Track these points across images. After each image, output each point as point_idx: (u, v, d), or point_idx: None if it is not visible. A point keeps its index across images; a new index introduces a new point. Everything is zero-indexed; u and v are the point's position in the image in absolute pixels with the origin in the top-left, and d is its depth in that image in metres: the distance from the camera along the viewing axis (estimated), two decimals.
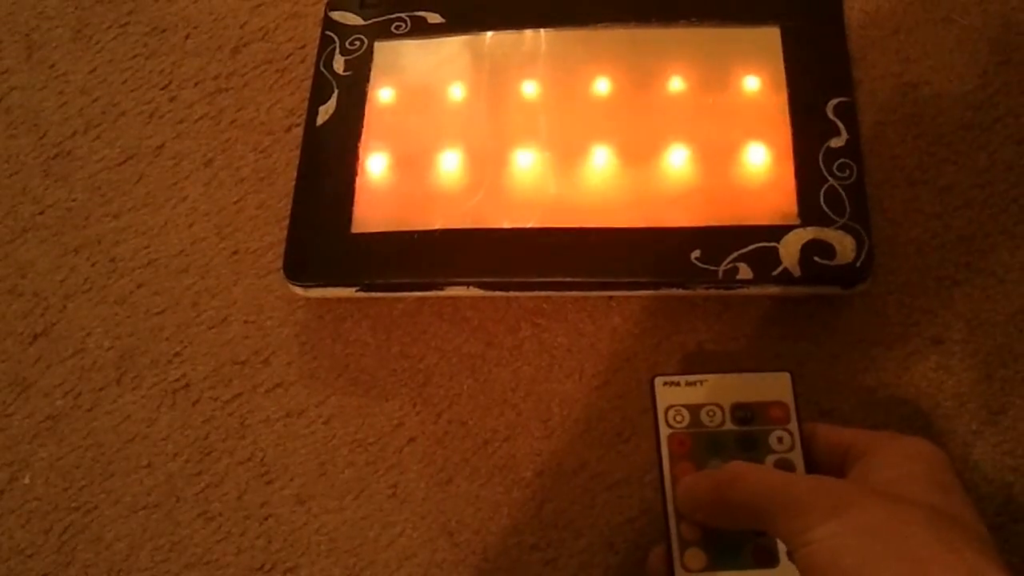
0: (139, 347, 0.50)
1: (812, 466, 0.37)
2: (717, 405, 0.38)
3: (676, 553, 0.36)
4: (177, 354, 0.49)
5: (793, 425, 0.37)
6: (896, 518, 0.31)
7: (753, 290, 0.45)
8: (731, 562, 0.35)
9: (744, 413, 0.38)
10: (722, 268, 0.44)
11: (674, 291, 0.46)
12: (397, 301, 0.49)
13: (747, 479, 0.34)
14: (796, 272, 0.44)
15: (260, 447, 0.47)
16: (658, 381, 0.39)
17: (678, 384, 0.39)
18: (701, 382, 0.38)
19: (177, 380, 0.49)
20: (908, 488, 0.33)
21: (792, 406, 0.38)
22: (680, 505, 0.36)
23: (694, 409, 0.38)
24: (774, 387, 0.38)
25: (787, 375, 0.38)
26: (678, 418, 0.38)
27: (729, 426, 0.38)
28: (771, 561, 0.35)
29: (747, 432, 0.38)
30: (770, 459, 0.37)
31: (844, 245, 0.44)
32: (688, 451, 0.37)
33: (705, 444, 0.38)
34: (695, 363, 0.46)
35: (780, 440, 0.37)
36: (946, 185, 0.48)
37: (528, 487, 0.45)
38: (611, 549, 0.43)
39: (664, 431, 0.38)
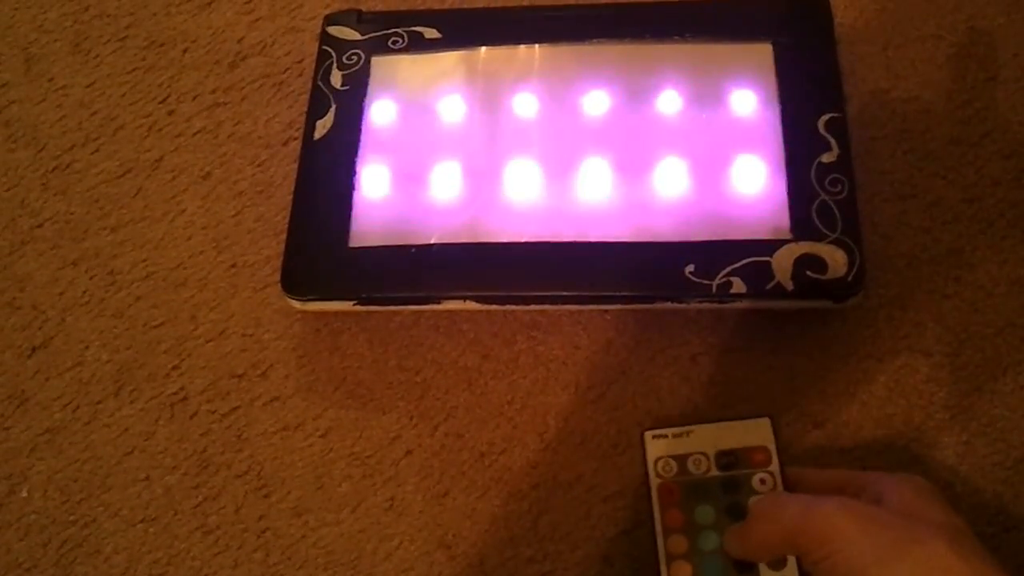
0: (137, 360, 0.50)
1: None
2: (703, 453, 0.40)
3: None
4: (175, 367, 0.50)
5: (775, 467, 0.39)
6: (916, 534, 0.32)
7: (746, 304, 0.45)
8: None
9: (728, 459, 0.40)
10: (716, 282, 0.45)
11: (668, 304, 0.46)
12: (394, 314, 0.49)
13: (773, 500, 0.36)
14: (789, 286, 0.44)
15: (258, 460, 0.47)
16: (647, 435, 0.41)
17: (666, 436, 0.41)
18: (688, 433, 0.41)
19: (175, 393, 0.49)
20: (920, 508, 0.35)
21: (773, 449, 0.39)
22: (727, 547, 0.37)
23: (681, 459, 0.40)
24: (756, 433, 0.40)
25: (767, 420, 0.40)
26: (667, 468, 0.40)
27: (714, 472, 0.40)
28: None
29: (731, 476, 0.39)
30: (753, 500, 0.38)
31: (836, 259, 0.45)
32: (677, 500, 0.39)
33: (692, 491, 0.39)
34: (690, 376, 0.47)
35: (763, 482, 0.39)
36: (935, 200, 0.49)
37: (524, 499, 0.45)
38: (607, 562, 0.44)
39: (654, 482, 0.40)
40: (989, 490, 0.43)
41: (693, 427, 0.40)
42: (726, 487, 0.39)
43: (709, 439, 0.40)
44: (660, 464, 0.40)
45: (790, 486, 0.39)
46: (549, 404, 0.47)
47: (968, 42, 0.52)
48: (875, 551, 0.32)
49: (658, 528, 0.39)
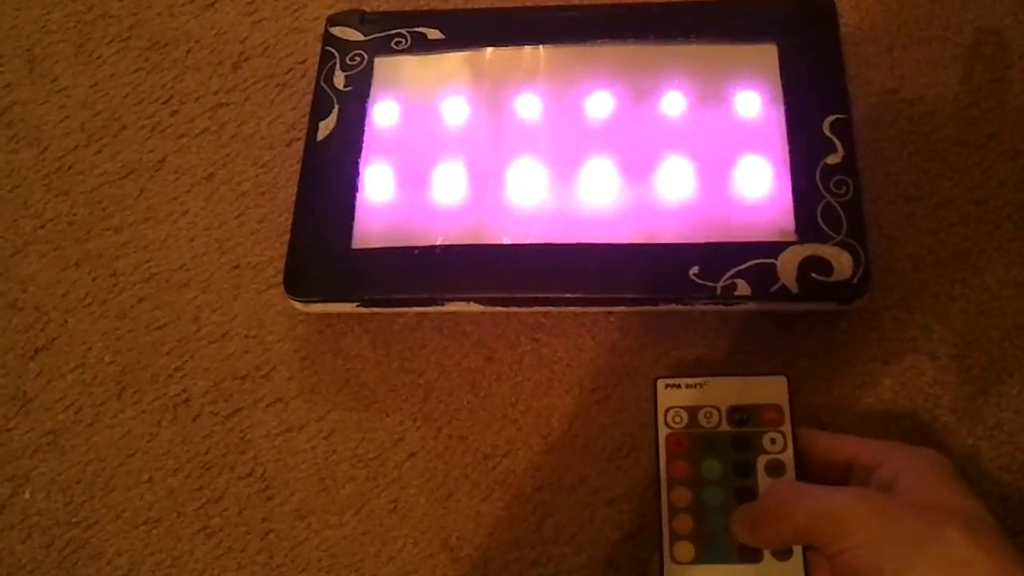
0: (140, 362, 0.50)
1: (803, 467, 0.38)
2: (715, 407, 0.39)
3: (667, 546, 0.37)
4: (178, 369, 0.49)
5: (787, 427, 0.39)
6: (933, 524, 0.32)
7: (751, 306, 0.45)
8: (717, 556, 0.37)
9: (740, 415, 0.39)
10: (720, 284, 0.44)
11: (673, 307, 0.46)
12: (397, 316, 0.49)
13: (786, 493, 0.35)
14: (794, 288, 0.44)
15: (260, 462, 0.47)
16: (660, 383, 0.40)
17: (679, 386, 0.40)
18: (701, 384, 0.40)
19: (178, 395, 0.49)
20: (936, 492, 0.34)
21: (786, 409, 0.39)
22: (735, 532, 0.37)
23: (692, 411, 0.40)
24: (770, 390, 0.39)
25: (783, 379, 0.40)
26: (677, 419, 0.39)
27: (725, 427, 0.39)
28: (755, 556, 0.36)
29: (741, 433, 0.39)
30: (762, 459, 0.38)
31: (841, 261, 0.44)
32: (685, 451, 0.39)
33: (701, 444, 0.39)
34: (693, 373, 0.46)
35: (773, 441, 0.38)
36: (941, 201, 0.49)
37: (528, 502, 0.45)
38: (611, 565, 0.43)
39: (663, 431, 0.39)
40: (996, 493, 0.43)
41: (707, 379, 0.40)
42: (736, 443, 0.39)
43: (722, 393, 0.39)
44: (670, 414, 0.39)
45: (801, 447, 0.38)
46: (553, 406, 0.47)
47: (974, 43, 0.52)
48: (891, 547, 0.32)
49: (663, 479, 0.38)
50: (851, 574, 0.33)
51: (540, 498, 0.45)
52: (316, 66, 0.53)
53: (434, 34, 0.52)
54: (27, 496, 0.48)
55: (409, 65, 0.52)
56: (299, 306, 0.48)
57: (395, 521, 0.45)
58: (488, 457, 0.46)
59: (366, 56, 0.52)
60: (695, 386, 0.40)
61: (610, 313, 0.48)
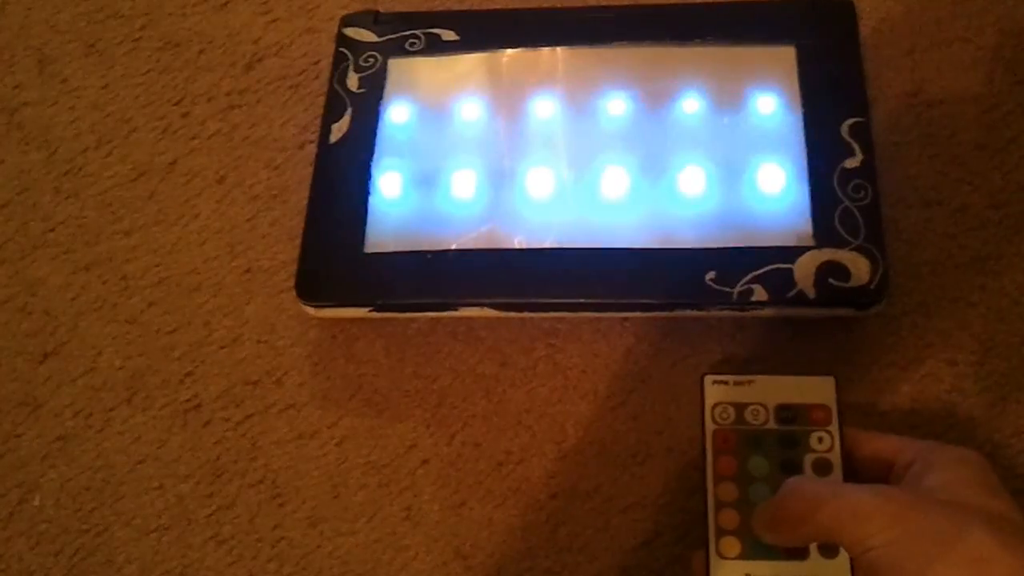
0: (150, 367, 0.50)
1: (850, 466, 0.38)
2: (762, 405, 0.39)
3: (713, 541, 0.37)
4: (188, 374, 0.49)
5: (834, 427, 0.38)
6: (956, 522, 0.32)
7: (768, 312, 0.45)
8: (763, 552, 0.37)
9: (787, 414, 0.39)
10: (737, 289, 0.44)
11: (689, 312, 0.46)
12: (411, 321, 0.49)
13: (806, 494, 0.35)
14: (811, 294, 0.44)
15: (272, 469, 0.47)
16: (707, 379, 0.40)
17: (727, 383, 0.40)
18: (749, 382, 0.40)
19: (188, 400, 0.49)
20: (962, 492, 0.34)
21: (834, 409, 0.39)
22: (756, 530, 0.37)
23: (740, 407, 0.39)
24: (818, 390, 0.39)
25: (831, 379, 0.39)
26: (724, 415, 0.39)
27: (772, 425, 0.39)
28: (801, 554, 0.36)
29: (789, 431, 0.39)
30: (809, 458, 0.38)
31: (859, 267, 0.44)
32: (732, 447, 0.39)
33: (748, 441, 0.39)
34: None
35: (820, 440, 0.38)
36: (960, 206, 0.48)
37: (542, 510, 0.45)
38: (625, 573, 0.43)
39: (710, 427, 0.39)
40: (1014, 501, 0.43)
41: (755, 377, 0.40)
42: (783, 442, 0.38)
43: (770, 391, 0.39)
44: (718, 410, 0.39)
45: (847, 448, 0.38)
46: (568, 413, 0.46)
47: (996, 45, 0.51)
48: (913, 544, 0.31)
49: (709, 474, 0.38)
50: (874, 574, 0.32)
51: (554, 505, 0.45)
52: (330, 67, 0.52)
53: (449, 35, 0.52)
54: (36, 503, 0.47)
55: (423, 66, 0.52)
56: (311, 311, 0.48)
57: (408, 528, 0.45)
58: (502, 464, 0.46)
59: (380, 57, 0.52)
60: (743, 383, 0.40)
61: (625, 319, 0.48)
